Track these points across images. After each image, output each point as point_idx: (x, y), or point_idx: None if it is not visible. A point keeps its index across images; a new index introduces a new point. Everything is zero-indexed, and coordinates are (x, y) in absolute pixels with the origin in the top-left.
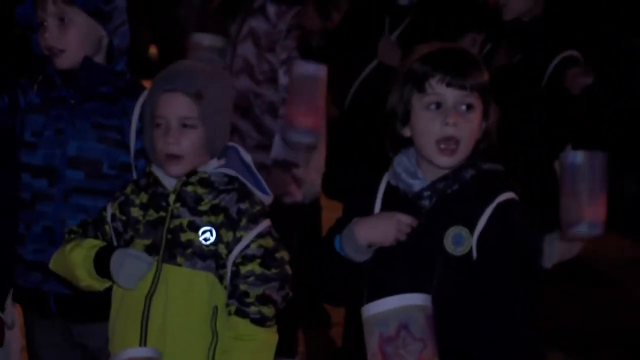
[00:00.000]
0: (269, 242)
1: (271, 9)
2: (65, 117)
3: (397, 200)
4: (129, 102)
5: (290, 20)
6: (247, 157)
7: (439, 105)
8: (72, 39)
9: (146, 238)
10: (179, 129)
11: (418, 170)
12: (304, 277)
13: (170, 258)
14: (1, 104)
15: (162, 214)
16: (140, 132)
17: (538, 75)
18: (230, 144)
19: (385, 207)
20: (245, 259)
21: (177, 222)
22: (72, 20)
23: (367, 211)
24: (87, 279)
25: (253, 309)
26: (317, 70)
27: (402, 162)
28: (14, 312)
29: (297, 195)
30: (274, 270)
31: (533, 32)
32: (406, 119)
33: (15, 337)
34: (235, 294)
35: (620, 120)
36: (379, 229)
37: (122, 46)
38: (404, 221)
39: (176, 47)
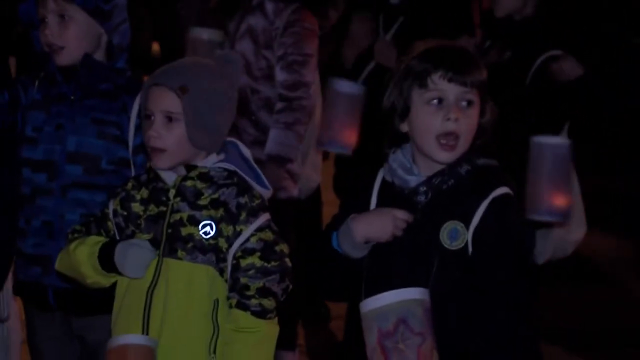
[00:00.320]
0: (268, 236)
1: (269, 7)
2: (65, 113)
3: (392, 196)
4: (128, 99)
5: (288, 18)
6: (247, 152)
7: (440, 100)
8: (72, 36)
9: (147, 233)
10: (164, 123)
11: (413, 166)
12: (303, 271)
13: (171, 252)
14: (1, 100)
15: (163, 208)
16: (139, 128)
17: (523, 73)
18: (230, 139)
19: (380, 203)
20: (245, 252)
21: (177, 216)
22: (72, 17)
23: (363, 207)
24: (93, 275)
25: (254, 301)
26: (355, 90)
27: (397, 158)
28: (12, 305)
29: (293, 190)
30: (273, 263)
31: (523, 30)
32: (405, 114)
33: (15, 330)
34: (235, 287)
35: (620, 120)
36: (375, 225)
37: (122, 44)
38: (400, 217)
39: (177, 44)
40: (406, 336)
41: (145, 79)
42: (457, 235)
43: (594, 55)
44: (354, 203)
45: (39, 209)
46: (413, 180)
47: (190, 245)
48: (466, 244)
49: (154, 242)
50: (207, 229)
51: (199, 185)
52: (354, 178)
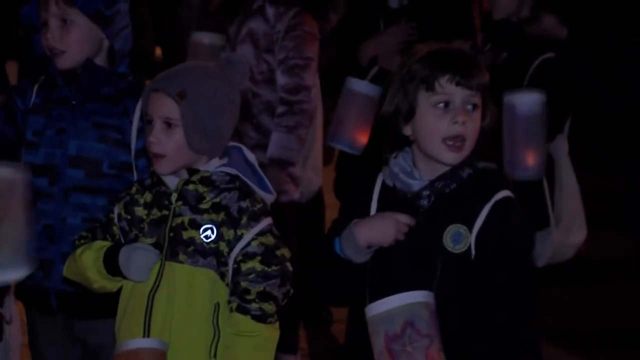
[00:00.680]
0: (269, 240)
1: (270, 11)
2: (66, 117)
3: (393, 200)
4: (130, 103)
5: (288, 21)
6: (251, 157)
7: (447, 104)
8: (73, 40)
9: (150, 237)
10: (163, 129)
11: (414, 170)
12: (305, 275)
13: (173, 256)
14: None
15: (165, 212)
16: (140, 131)
17: (520, 76)
18: (234, 143)
19: (381, 207)
20: (246, 256)
21: (179, 220)
22: (74, 21)
23: (363, 212)
24: (99, 279)
25: (254, 305)
26: (371, 90)
27: (398, 162)
28: (13, 308)
29: (294, 193)
30: (274, 268)
31: (520, 32)
32: (409, 117)
33: (15, 333)
34: (236, 291)
35: (620, 120)
36: (377, 230)
37: (124, 49)
38: (402, 221)
39: (178, 48)
40: (414, 338)
41: (147, 83)
42: (460, 239)
43: (593, 55)
44: (354, 207)
45: (40, 212)
46: (416, 185)
47: (191, 248)
48: (469, 247)
49: (157, 246)
50: (208, 232)
51: (201, 189)
52: (352, 182)
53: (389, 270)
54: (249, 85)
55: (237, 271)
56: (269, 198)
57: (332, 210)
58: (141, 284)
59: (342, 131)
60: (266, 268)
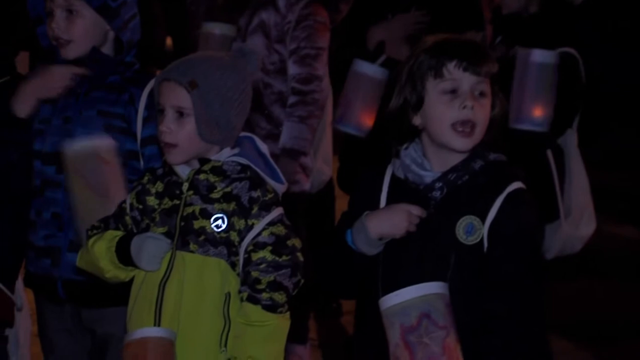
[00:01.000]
0: (280, 230)
1: (281, 1)
2: (72, 105)
3: (403, 192)
4: (136, 91)
5: (300, 11)
6: (263, 147)
7: (454, 90)
8: (78, 31)
9: (162, 226)
10: (175, 118)
11: (425, 161)
12: (314, 268)
13: (184, 245)
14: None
15: (176, 202)
16: (146, 120)
17: None
18: (246, 134)
19: (391, 200)
20: (257, 246)
21: (190, 209)
22: (80, 12)
23: (373, 204)
24: (112, 269)
25: (265, 295)
26: (379, 73)
27: (409, 154)
28: (23, 296)
29: (305, 184)
30: (285, 258)
31: (531, 27)
32: (418, 106)
33: (24, 320)
34: (247, 281)
35: (631, 122)
36: (389, 221)
37: (132, 40)
38: (414, 212)
39: (189, 39)
40: (430, 330)
41: (157, 73)
42: (473, 230)
43: (600, 52)
44: (363, 200)
45: (49, 201)
46: (428, 176)
47: (202, 238)
48: (481, 240)
49: (168, 236)
50: (219, 222)
51: (212, 178)
52: (360, 174)
53: (402, 262)
54: (261, 76)
55: (247, 261)
56: (281, 188)
57: (342, 200)
58: (152, 274)
59: (350, 114)
60: (277, 258)
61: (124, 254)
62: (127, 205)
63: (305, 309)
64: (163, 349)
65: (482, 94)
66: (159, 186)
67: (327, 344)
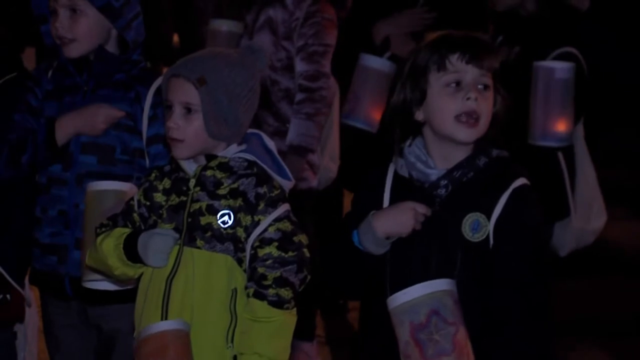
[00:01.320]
0: (287, 226)
1: None
2: (78, 103)
3: (407, 190)
4: (142, 89)
5: (307, 8)
6: (270, 143)
7: (458, 83)
8: (82, 30)
9: (169, 223)
10: (183, 114)
11: (429, 159)
12: (321, 268)
13: (191, 241)
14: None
15: (183, 198)
16: (152, 119)
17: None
18: (253, 130)
19: (394, 198)
20: (263, 242)
21: (196, 206)
22: (83, 11)
23: (377, 203)
24: (120, 266)
25: (271, 291)
26: (386, 67)
27: (413, 152)
28: (30, 293)
29: (313, 181)
30: (291, 254)
31: (530, 26)
32: (421, 101)
33: (32, 316)
34: (253, 277)
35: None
36: (396, 220)
37: (137, 39)
38: (420, 210)
39: (196, 36)
40: (440, 327)
41: (164, 70)
42: (479, 227)
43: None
44: (366, 200)
45: (55, 198)
46: (434, 174)
47: (208, 234)
48: (487, 236)
49: (176, 232)
50: (225, 218)
51: (219, 175)
52: (362, 174)
53: (409, 260)
54: (268, 73)
55: (254, 257)
56: (288, 184)
57: (350, 198)
58: (160, 270)
59: (358, 109)
60: (283, 254)
61: (131, 251)
62: (135, 202)
63: (312, 305)
64: (182, 341)
65: (485, 87)
66: (166, 183)
67: (334, 340)
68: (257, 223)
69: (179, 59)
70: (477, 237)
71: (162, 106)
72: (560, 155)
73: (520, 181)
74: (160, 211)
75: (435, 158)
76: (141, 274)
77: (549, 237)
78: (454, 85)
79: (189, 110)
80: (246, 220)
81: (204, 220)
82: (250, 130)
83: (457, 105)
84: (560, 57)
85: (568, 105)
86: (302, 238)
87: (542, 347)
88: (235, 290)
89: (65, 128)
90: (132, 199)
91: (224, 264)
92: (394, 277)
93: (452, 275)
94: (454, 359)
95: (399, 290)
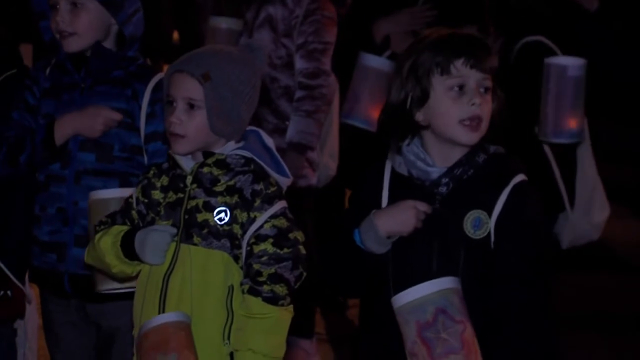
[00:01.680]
0: (282, 223)
1: None
2: (76, 100)
3: (406, 188)
4: (139, 86)
5: (307, 6)
6: (269, 141)
7: (461, 87)
8: (82, 24)
9: (166, 220)
10: (185, 110)
11: (427, 157)
12: (321, 267)
13: (188, 238)
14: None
15: (180, 195)
16: (149, 116)
17: (506, 60)
18: (252, 127)
19: (393, 196)
20: (259, 238)
21: (193, 202)
22: (84, 5)
23: (375, 201)
24: (118, 264)
25: (265, 287)
26: (385, 66)
27: (412, 150)
28: (31, 291)
29: (312, 178)
30: (286, 250)
31: (514, 16)
32: (422, 102)
33: (32, 313)
34: (249, 273)
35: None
36: (397, 219)
37: (136, 34)
38: (421, 208)
39: (196, 33)
40: (447, 325)
41: (165, 67)
42: (480, 224)
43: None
44: (365, 198)
45: (54, 196)
46: (434, 172)
47: (205, 231)
48: (489, 234)
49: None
50: (222, 215)
51: (216, 171)
52: (360, 172)
53: (411, 259)
54: (267, 70)
55: (249, 253)
56: (286, 181)
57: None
58: (157, 267)
59: (358, 107)
60: (278, 250)
61: (129, 248)
62: (134, 200)
63: (311, 303)
64: (184, 332)
65: (486, 90)
66: (164, 180)
67: (333, 337)
68: (253, 220)
69: (179, 57)
70: (478, 234)
71: (160, 103)
72: (547, 149)
73: (520, 177)
74: (158, 208)
75: (433, 156)
76: (139, 272)
77: (549, 232)
78: (457, 89)
79: (191, 106)
80: (242, 217)
81: (200, 217)
82: (248, 128)
83: (461, 111)
84: (526, 46)
85: (580, 101)
86: (298, 235)
87: (542, 345)
88: (231, 287)
89: (64, 129)
90: (130, 196)
91: (221, 260)
92: (397, 276)
93: (455, 273)
94: (463, 356)
95: (402, 289)
